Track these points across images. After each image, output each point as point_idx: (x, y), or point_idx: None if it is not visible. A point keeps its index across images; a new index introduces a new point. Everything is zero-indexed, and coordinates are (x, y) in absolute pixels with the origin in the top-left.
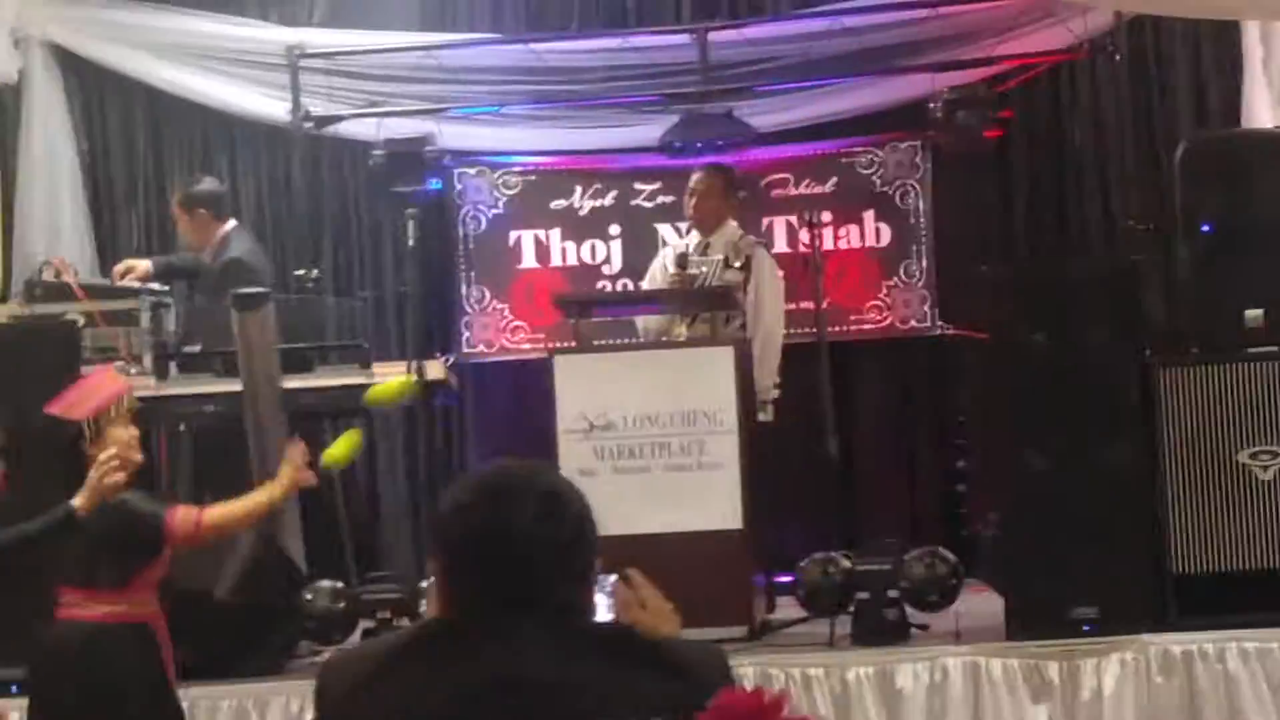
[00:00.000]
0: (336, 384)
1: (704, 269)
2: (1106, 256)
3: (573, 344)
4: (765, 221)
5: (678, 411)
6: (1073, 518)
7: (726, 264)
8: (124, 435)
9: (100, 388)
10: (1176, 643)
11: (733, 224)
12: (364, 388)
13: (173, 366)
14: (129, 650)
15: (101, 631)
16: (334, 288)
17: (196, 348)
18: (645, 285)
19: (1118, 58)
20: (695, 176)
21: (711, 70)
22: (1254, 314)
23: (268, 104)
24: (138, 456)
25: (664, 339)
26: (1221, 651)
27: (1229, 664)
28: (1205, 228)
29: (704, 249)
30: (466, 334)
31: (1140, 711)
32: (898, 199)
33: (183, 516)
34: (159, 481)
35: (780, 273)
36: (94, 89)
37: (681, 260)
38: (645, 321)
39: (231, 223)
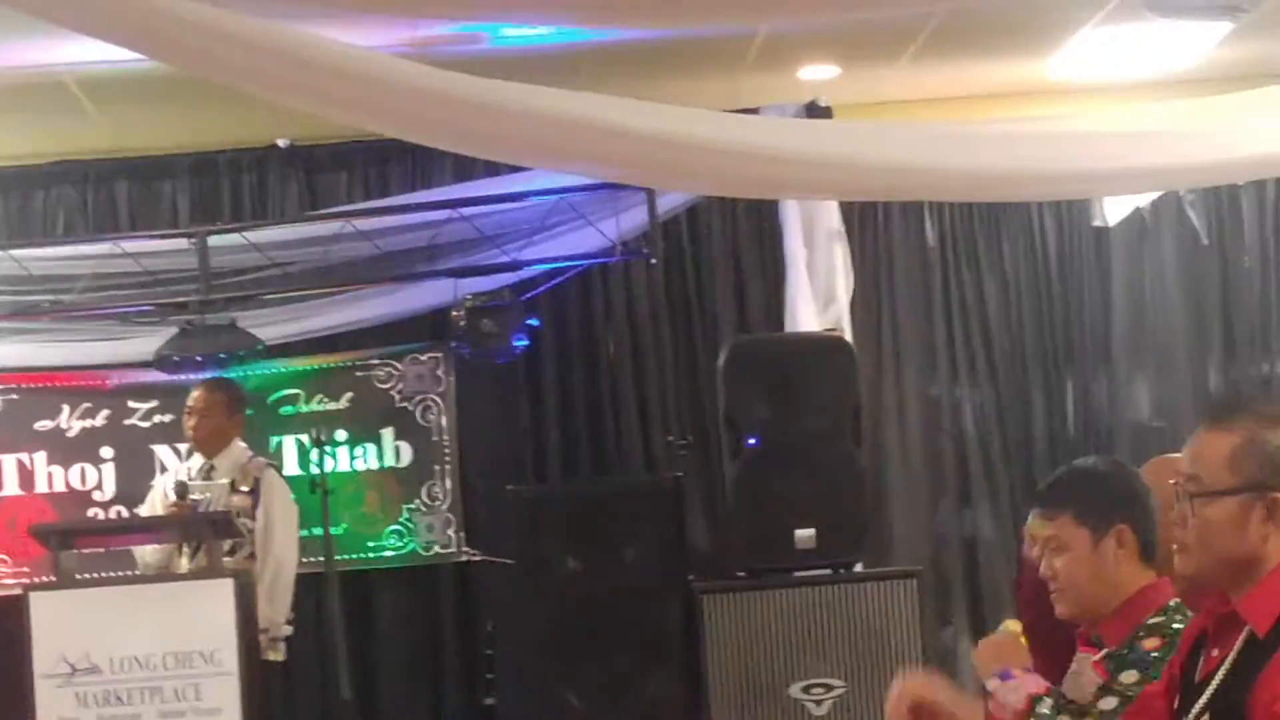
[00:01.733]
0: None
1: (208, 494)
2: (646, 474)
3: (52, 579)
4: (274, 441)
5: (171, 652)
6: None
7: (233, 488)
8: None
9: None
10: None
11: (239, 444)
12: None
13: None
14: None
15: None
16: None
17: None
18: (144, 514)
19: (653, 261)
20: (194, 394)
21: (213, 278)
22: (805, 534)
23: None
24: None
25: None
26: None
27: None
28: (751, 441)
29: (208, 472)
30: None
31: None
32: (419, 415)
33: None
34: None
35: (293, 496)
36: None
37: (180, 489)
38: (143, 554)
39: None
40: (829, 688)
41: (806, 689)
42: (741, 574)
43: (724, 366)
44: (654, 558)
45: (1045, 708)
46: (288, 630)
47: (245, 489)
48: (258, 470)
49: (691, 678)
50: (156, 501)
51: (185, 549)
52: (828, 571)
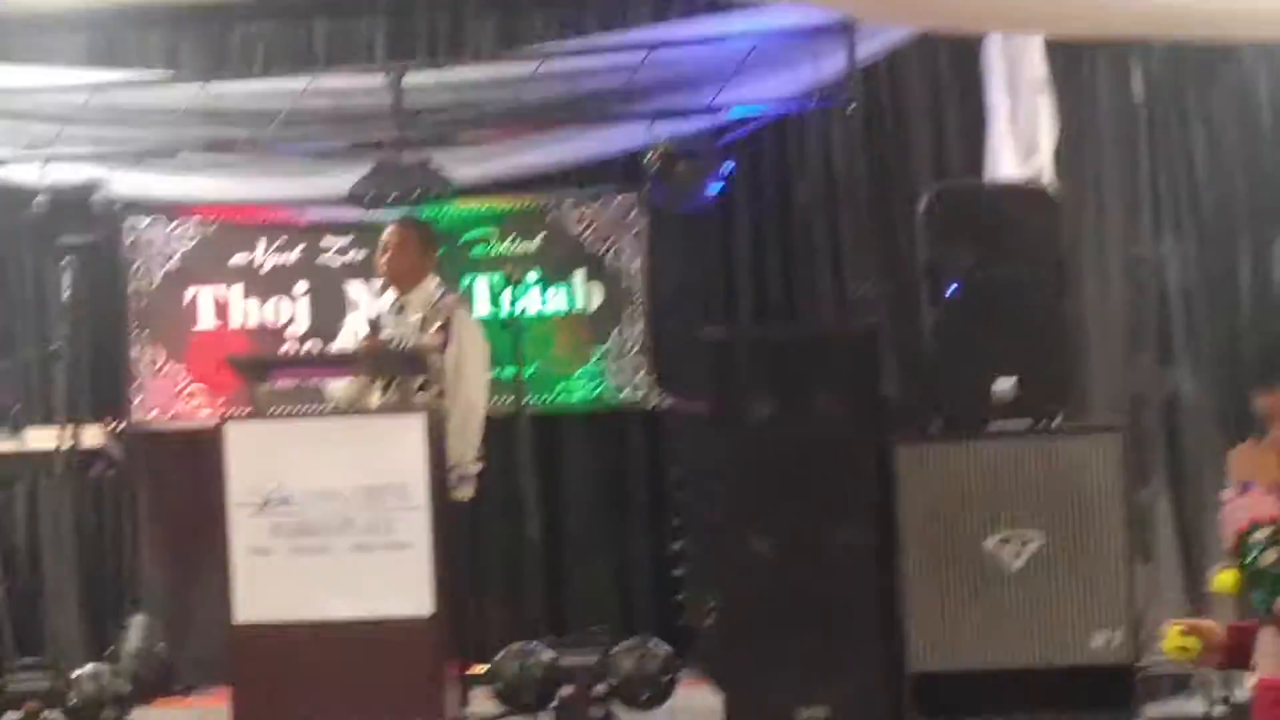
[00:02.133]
0: None
1: (400, 330)
2: (840, 322)
3: (248, 410)
4: (465, 281)
5: (362, 486)
6: (799, 608)
7: (425, 325)
8: None
9: None
10: None
11: (432, 282)
12: (11, 455)
13: None
14: None
15: None
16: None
17: None
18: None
19: (851, 108)
20: (388, 230)
21: (407, 116)
22: (1004, 384)
23: None
24: None
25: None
26: None
27: None
28: (951, 289)
29: (399, 309)
30: (138, 399)
31: None
32: (610, 258)
33: None
34: None
35: (484, 335)
36: None
37: (373, 323)
38: (334, 391)
39: None
40: (1025, 541)
41: (1002, 542)
42: (938, 424)
43: (925, 212)
44: (847, 407)
45: (1261, 534)
46: (477, 468)
47: (436, 327)
48: (449, 308)
49: (883, 529)
50: (347, 336)
51: (377, 385)
52: (1027, 424)
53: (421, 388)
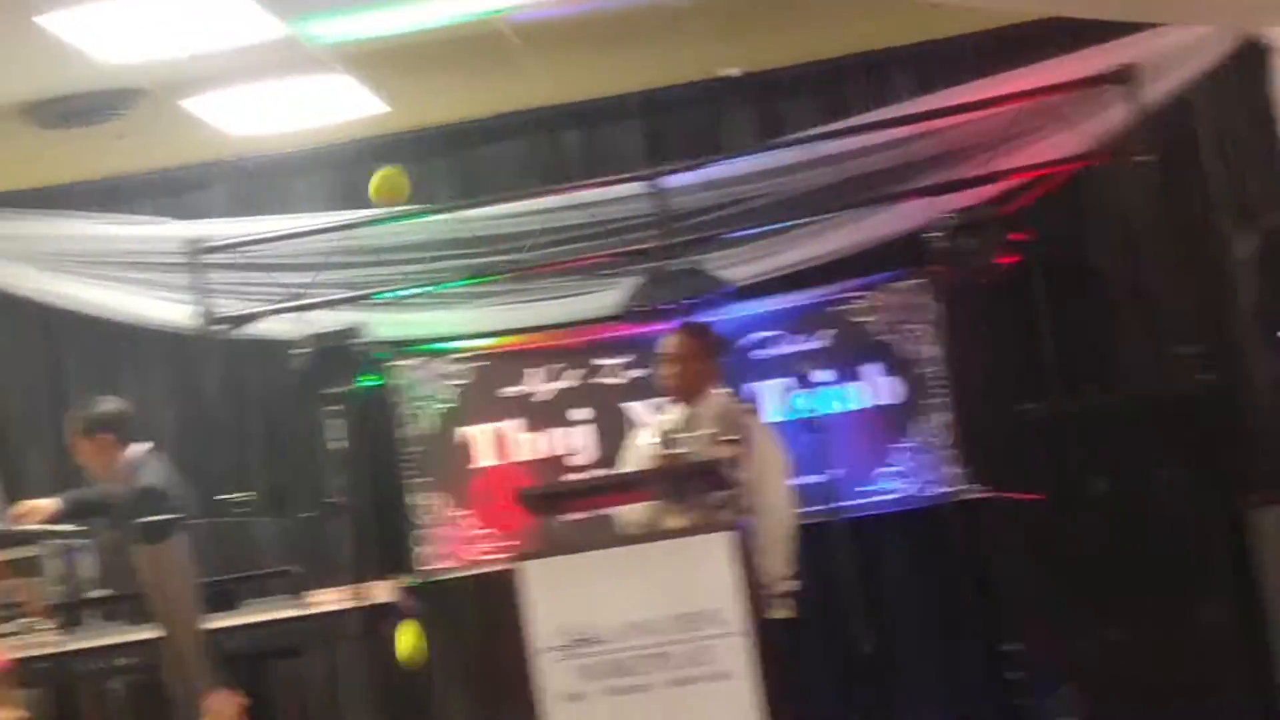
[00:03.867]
0: (265, 619)
1: (692, 446)
2: (1170, 387)
3: (542, 547)
4: (752, 387)
5: (674, 615)
6: (1164, 695)
7: (718, 437)
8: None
9: None
10: None
11: (719, 390)
12: (298, 620)
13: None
14: None
15: None
16: (268, 508)
17: (97, 593)
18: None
19: (1141, 158)
20: (669, 340)
21: (671, 220)
22: None
23: (172, 309)
24: None
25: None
26: None
27: None
28: None
29: (688, 422)
30: (425, 549)
31: None
32: (905, 347)
33: None
34: None
35: (781, 444)
36: None
37: (667, 439)
38: (628, 515)
39: (139, 446)
40: None
41: None
42: None
43: (1253, 258)
44: (1191, 475)
45: None
46: (793, 585)
47: (731, 438)
48: (742, 417)
49: (1245, 603)
50: (635, 457)
51: (672, 506)
52: None
53: (722, 504)
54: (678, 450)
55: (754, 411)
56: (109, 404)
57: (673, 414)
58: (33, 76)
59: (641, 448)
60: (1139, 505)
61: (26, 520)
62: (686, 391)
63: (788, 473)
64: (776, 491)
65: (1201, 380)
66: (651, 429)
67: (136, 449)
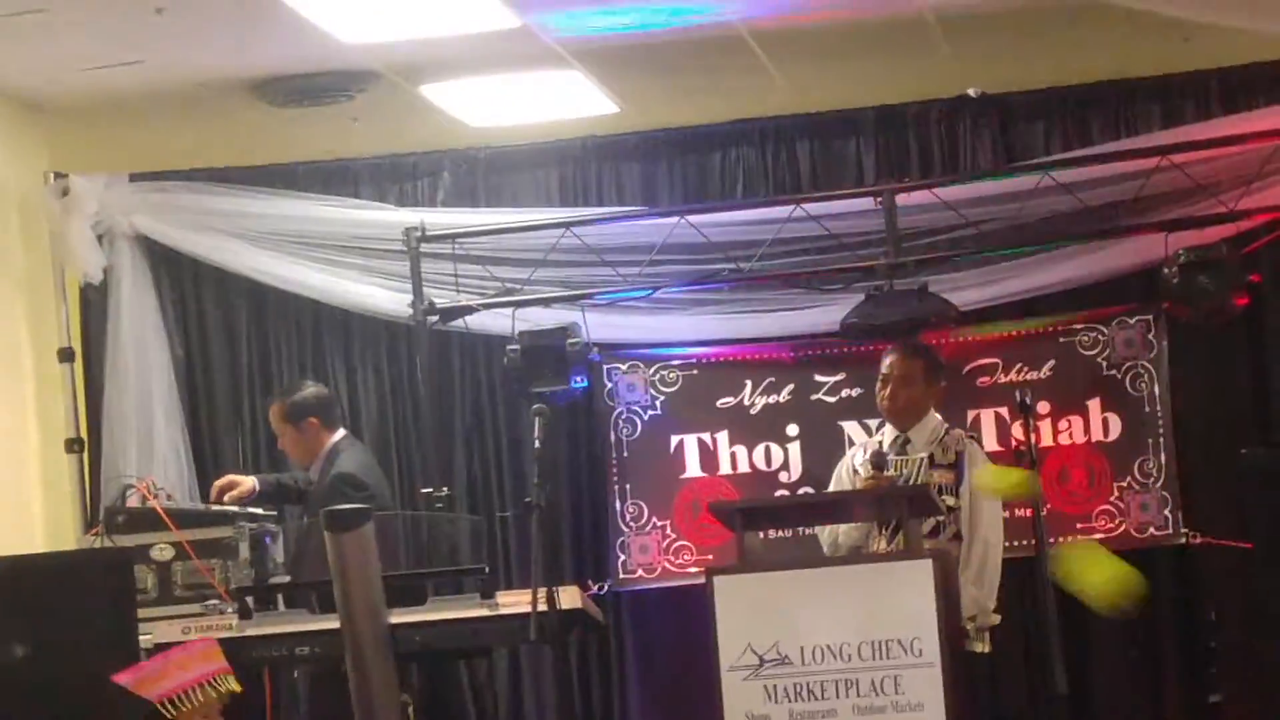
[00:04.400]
0: (451, 617)
1: (904, 470)
2: None
3: (736, 563)
4: (970, 415)
5: (867, 641)
6: None
7: (932, 462)
8: None
9: (187, 664)
10: None
11: (936, 416)
12: (484, 621)
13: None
14: None
15: None
16: (469, 505)
17: (284, 578)
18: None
19: None
20: (889, 360)
21: (901, 239)
22: None
23: (387, 297)
24: None
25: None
26: None
27: None
28: None
29: (902, 446)
30: (623, 557)
31: None
32: (1128, 384)
33: None
34: None
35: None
36: (189, 286)
37: (878, 459)
38: (835, 535)
39: (340, 432)
40: None
41: None
42: None
43: None
44: None
45: None
46: (995, 619)
47: (946, 463)
48: (958, 443)
49: None
50: (844, 477)
51: (883, 530)
52: None
53: (932, 532)
54: (889, 473)
55: (971, 438)
56: (313, 388)
57: (887, 436)
58: (270, 53)
59: (849, 467)
60: None
61: (227, 493)
62: (903, 414)
63: (1000, 502)
64: (988, 521)
65: None
66: (861, 449)
67: (336, 435)
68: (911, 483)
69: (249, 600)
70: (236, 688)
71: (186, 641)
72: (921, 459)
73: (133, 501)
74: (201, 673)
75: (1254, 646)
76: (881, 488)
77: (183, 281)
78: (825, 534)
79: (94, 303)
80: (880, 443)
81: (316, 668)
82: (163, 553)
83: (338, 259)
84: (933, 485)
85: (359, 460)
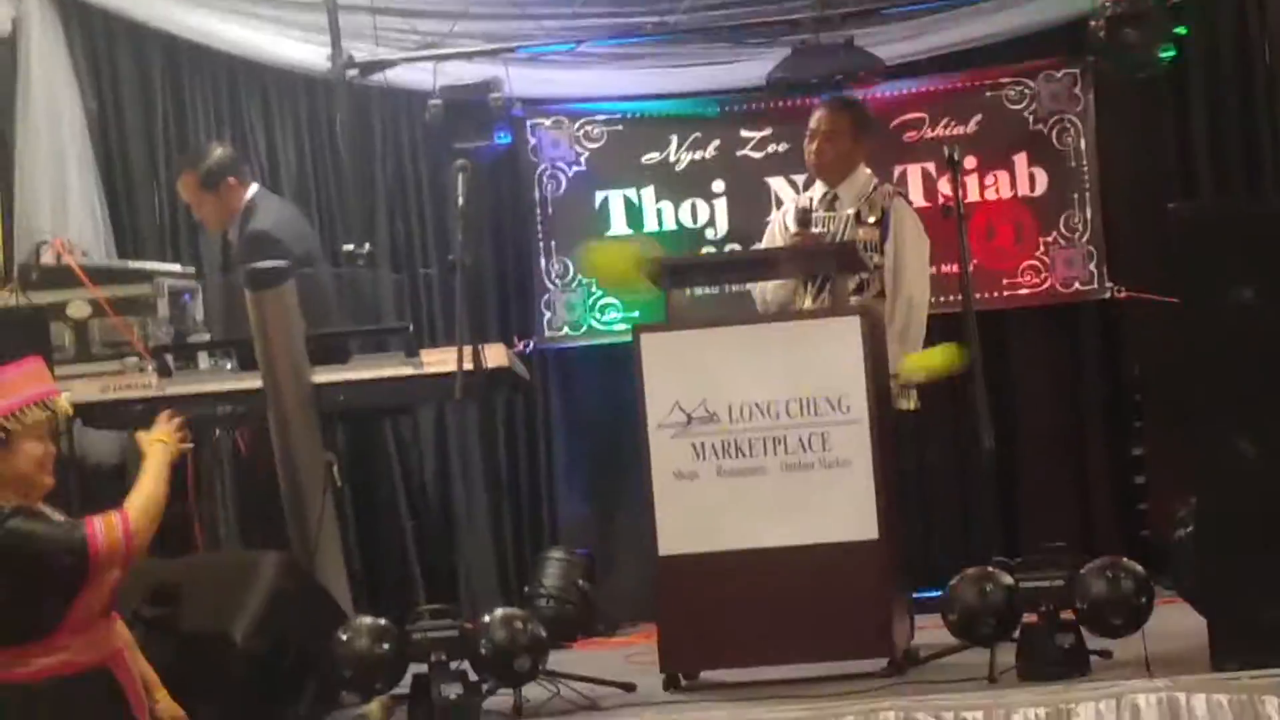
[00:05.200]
0: (375, 376)
1: (831, 225)
2: None
3: (662, 321)
4: (897, 170)
5: (795, 398)
6: None
7: (858, 219)
8: (35, 451)
9: (20, 383)
10: None
11: (865, 171)
12: (409, 380)
13: (202, 359)
14: (82, 709)
15: (39, 694)
16: (391, 262)
17: (204, 336)
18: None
19: None
20: (817, 115)
21: None
22: None
23: (305, 50)
24: (48, 480)
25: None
26: None
27: None
28: None
29: (831, 202)
30: (548, 315)
31: None
32: (1055, 138)
33: (104, 526)
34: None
35: (922, 229)
36: (101, 39)
37: (804, 216)
38: (763, 293)
39: (254, 188)
40: None
41: None
42: None
43: None
44: None
45: None
46: (920, 376)
47: (872, 220)
48: (885, 199)
49: None
50: (776, 234)
51: (808, 286)
52: None
53: (858, 289)
54: (815, 230)
55: (898, 194)
56: (219, 148)
57: (815, 191)
58: None
59: (780, 224)
60: None
61: None
62: (831, 169)
63: (926, 258)
64: (915, 278)
65: None
66: (790, 205)
67: (250, 191)
68: (838, 239)
69: (169, 358)
70: (69, 410)
71: (17, 361)
72: (848, 216)
73: (47, 258)
74: (36, 392)
75: (1177, 400)
76: (809, 244)
77: (94, 34)
78: (756, 291)
79: (2, 57)
80: (810, 199)
81: (238, 425)
82: (79, 310)
83: (253, 11)
84: (860, 242)
85: (275, 216)
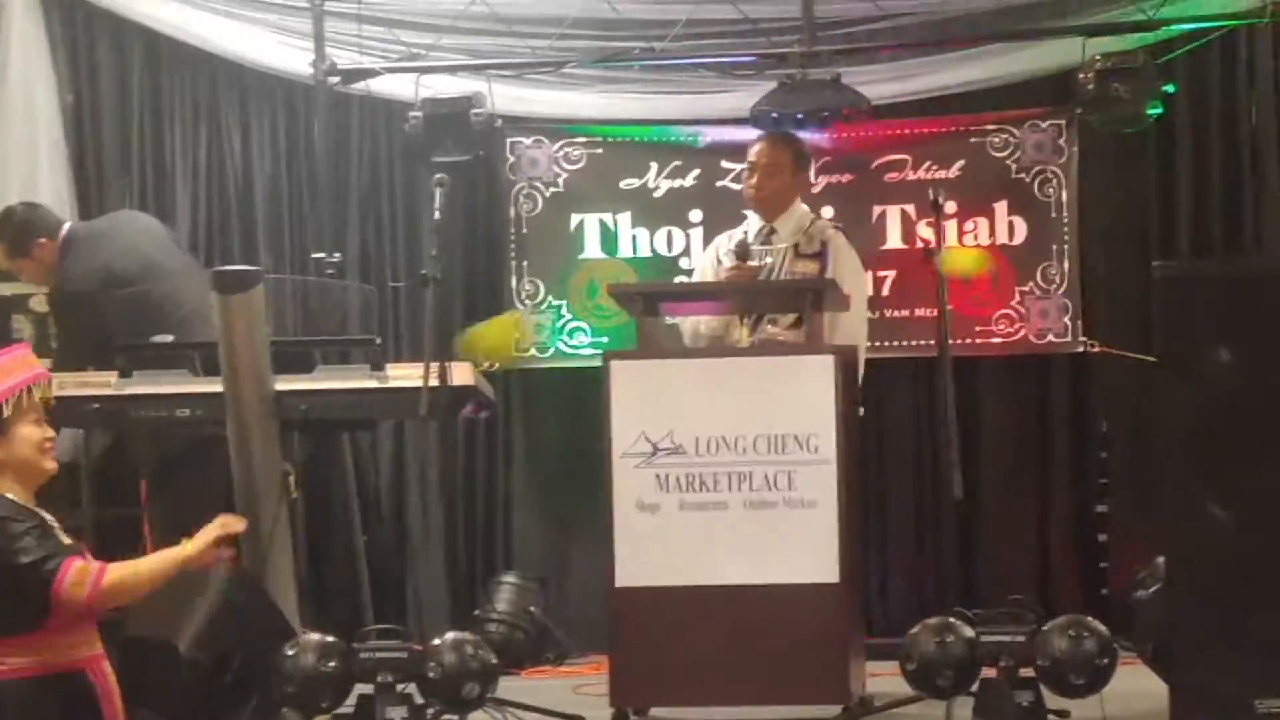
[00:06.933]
0: (339, 387)
1: (768, 259)
2: None
3: (633, 349)
4: (876, 210)
5: (763, 434)
6: (1263, 583)
7: (797, 251)
8: (34, 435)
9: (12, 368)
10: None
11: (801, 206)
12: (373, 393)
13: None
14: (49, 711)
15: (14, 690)
16: (361, 273)
17: (166, 337)
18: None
19: None
20: (756, 148)
21: (818, 28)
22: None
23: (287, 55)
24: (50, 465)
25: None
26: None
27: None
28: None
29: (767, 235)
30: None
31: None
32: (1036, 188)
33: (76, 574)
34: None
35: (859, 264)
36: (82, 32)
37: (742, 249)
38: (696, 324)
39: (65, 230)
40: None
41: None
42: None
43: None
44: None
45: None
46: (859, 412)
47: (810, 252)
48: (822, 233)
49: None
50: (708, 267)
51: (744, 320)
52: None
53: (796, 323)
54: (753, 263)
55: (837, 228)
56: (19, 207)
57: (752, 225)
58: None
59: (714, 256)
60: (1267, 378)
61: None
62: (769, 203)
63: (865, 294)
64: (852, 316)
65: None
66: (727, 239)
67: (61, 236)
68: (776, 273)
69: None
70: (51, 396)
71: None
72: (785, 249)
73: None
74: (28, 376)
75: (1144, 459)
76: (745, 277)
77: (75, 28)
78: (686, 324)
79: None
80: (746, 232)
81: (196, 431)
82: (41, 303)
83: (238, 11)
84: (797, 276)
85: (72, 268)
